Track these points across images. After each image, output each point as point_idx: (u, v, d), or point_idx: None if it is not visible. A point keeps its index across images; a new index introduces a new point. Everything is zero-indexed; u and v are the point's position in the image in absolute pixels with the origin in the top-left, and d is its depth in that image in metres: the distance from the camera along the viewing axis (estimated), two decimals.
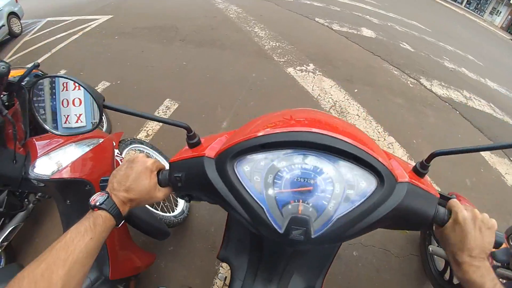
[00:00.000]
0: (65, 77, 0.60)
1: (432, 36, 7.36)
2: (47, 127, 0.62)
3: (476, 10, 25.70)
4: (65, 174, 1.04)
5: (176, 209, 1.81)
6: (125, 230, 1.32)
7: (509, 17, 23.08)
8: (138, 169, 0.64)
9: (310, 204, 0.53)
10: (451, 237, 0.57)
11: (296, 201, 0.53)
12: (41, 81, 0.60)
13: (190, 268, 1.72)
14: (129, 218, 1.08)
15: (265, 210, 0.53)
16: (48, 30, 5.90)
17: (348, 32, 5.69)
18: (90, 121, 0.62)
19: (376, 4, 9.16)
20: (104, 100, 0.59)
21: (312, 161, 0.54)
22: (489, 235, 0.56)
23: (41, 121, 0.61)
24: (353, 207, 0.53)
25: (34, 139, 1.10)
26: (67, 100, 0.61)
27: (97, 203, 0.58)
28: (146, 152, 1.82)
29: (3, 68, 0.82)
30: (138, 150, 1.79)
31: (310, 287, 0.97)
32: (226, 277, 1.26)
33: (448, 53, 6.34)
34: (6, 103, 1.02)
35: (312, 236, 0.52)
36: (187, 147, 0.66)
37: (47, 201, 2.07)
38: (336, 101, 3.18)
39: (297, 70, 3.79)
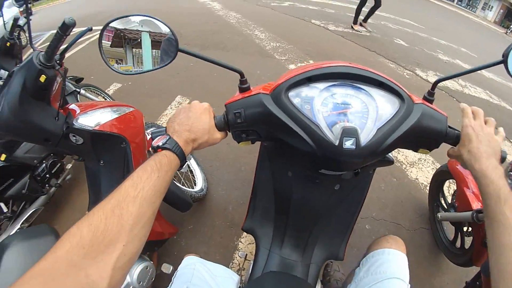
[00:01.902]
0: (145, 16, 0.69)
1: (425, 32, 7.54)
2: (113, 68, 0.72)
3: (468, 6, 26.07)
4: (106, 128, 1.12)
5: (195, 186, 1.90)
6: None
7: (501, 11, 23.43)
8: (198, 111, 0.69)
9: (353, 123, 0.65)
10: (469, 149, 0.65)
11: (342, 121, 0.65)
12: (112, 23, 0.69)
13: (209, 244, 1.80)
14: None
15: (320, 127, 0.64)
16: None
17: (343, 31, 5.87)
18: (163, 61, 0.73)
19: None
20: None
21: (349, 89, 0.67)
22: (496, 141, 0.66)
23: (108, 62, 0.72)
24: (385, 122, 0.65)
25: (72, 104, 1.18)
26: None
27: (160, 144, 0.60)
28: None
29: (71, 19, 0.91)
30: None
31: (334, 255, 1.04)
32: (246, 254, 1.33)
33: (442, 47, 6.51)
34: (58, 61, 1.09)
35: (362, 145, 0.63)
36: (238, 92, 0.75)
37: (67, 188, 2.16)
38: None
39: (298, 66, 3.92)
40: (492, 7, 24.23)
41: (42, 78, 1.00)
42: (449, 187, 2.20)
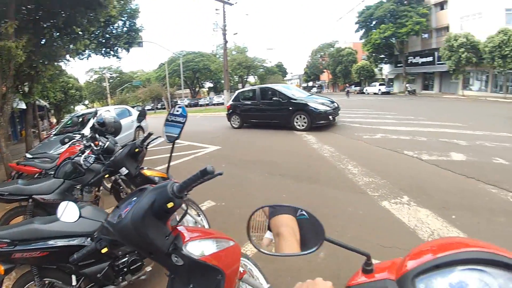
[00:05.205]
0: (293, 207, 0.95)
1: None
2: (254, 244, 1.02)
3: None
4: (209, 260, 1.23)
5: None
6: None
7: None
8: None
9: None
10: None
11: None
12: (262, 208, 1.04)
13: None
14: None
15: None
16: (163, 147, 8.04)
17: (437, 160, 6.01)
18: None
19: (461, 126, 9.40)
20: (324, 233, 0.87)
21: (482, 274, 0.62)
22: None
23: (251, 239, 1.06)
24: None
25: (181, 226, 1.33)
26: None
27: None
28: (248, 267, 1.90)
29: (211, 168, 1.06)
30: (244, 264, 1.85)
31: None
32: None
33: None
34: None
35: None
36: (360, 272, 0.78)
37: (137, 286, 2.32)
38: (434, 229, 3.30)
39: (392, 203, 4.11)
40: None
41: (170, 205, 1.12)
42: None
